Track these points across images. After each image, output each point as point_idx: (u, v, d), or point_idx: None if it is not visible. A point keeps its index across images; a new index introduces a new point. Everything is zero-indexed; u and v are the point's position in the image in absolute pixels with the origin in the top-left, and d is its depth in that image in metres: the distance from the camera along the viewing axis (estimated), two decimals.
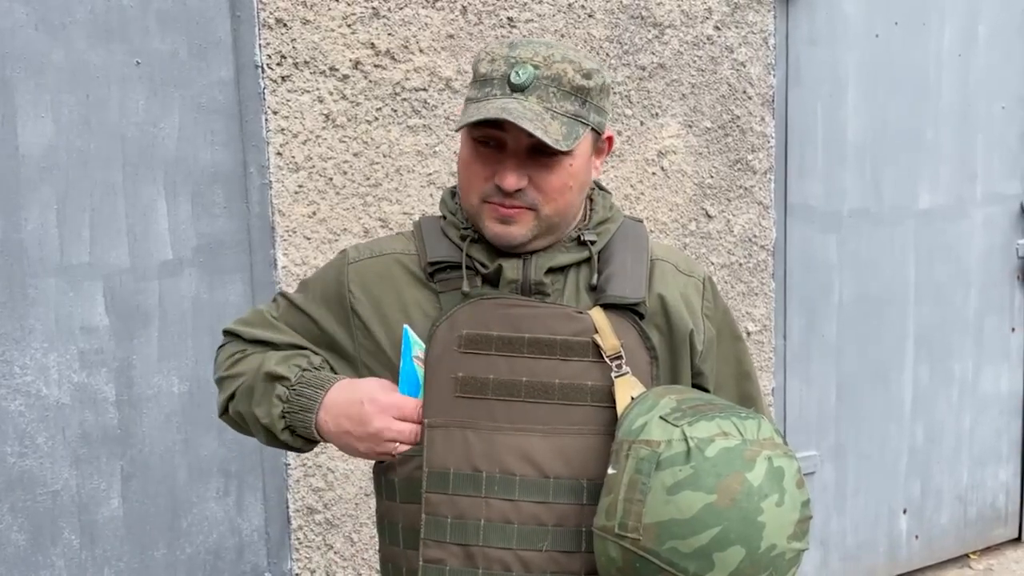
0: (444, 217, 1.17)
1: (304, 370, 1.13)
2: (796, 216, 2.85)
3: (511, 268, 1.11)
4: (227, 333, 1.25)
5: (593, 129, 1.08)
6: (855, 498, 3.08)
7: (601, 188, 1.20)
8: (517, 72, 1.03)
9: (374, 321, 1.14)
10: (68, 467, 1.86)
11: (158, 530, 1.97)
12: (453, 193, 1.19)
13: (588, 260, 1.13)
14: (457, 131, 1.08)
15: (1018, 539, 3.51)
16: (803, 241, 2.88)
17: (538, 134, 1.00)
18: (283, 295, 1.25)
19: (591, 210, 1.17)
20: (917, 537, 3.24)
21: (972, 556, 3.39)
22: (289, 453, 2.08)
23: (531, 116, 1.01)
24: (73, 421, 1.86)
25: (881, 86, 2.95)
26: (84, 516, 1.88)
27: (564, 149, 1.03)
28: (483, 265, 1.12)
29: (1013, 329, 3.38)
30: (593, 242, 1.13)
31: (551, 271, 1.12)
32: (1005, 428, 3.41)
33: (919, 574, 3.27)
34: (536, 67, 1.04)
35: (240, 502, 2.06)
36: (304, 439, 1.14)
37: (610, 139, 1.15)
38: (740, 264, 2.74)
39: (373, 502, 2.18)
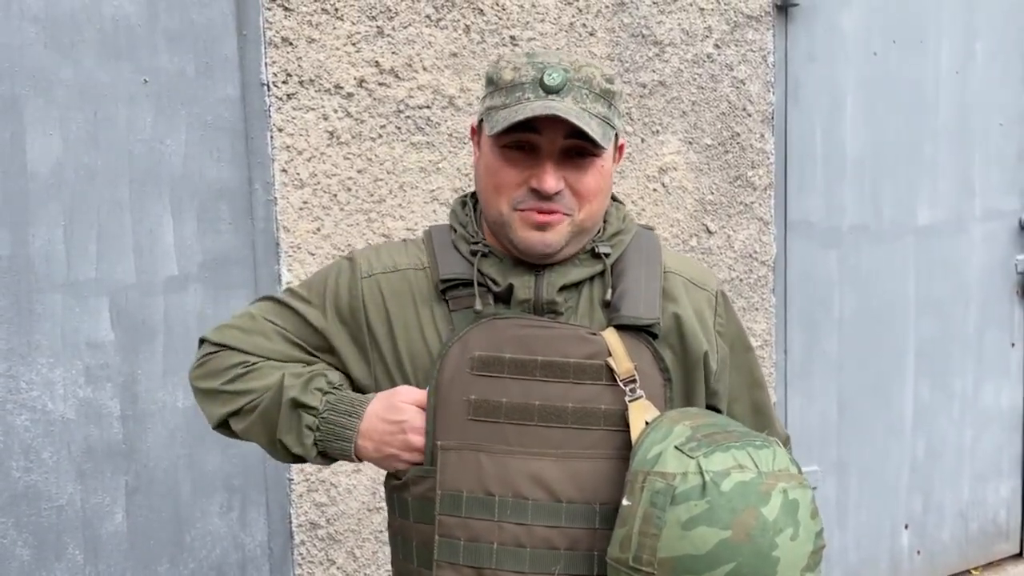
0: (454, 229, 1.16)
1: (326, 393, 1.11)
2: (796, 232, 2.87)
3: (523, 287, 1.09)
4: (216, 342, 1.18)
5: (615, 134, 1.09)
6: (857, 514, 3.08)
7: (615, 199, 1.19)
8: (551, 75, 1.02)
9: (389, 339, 1.13)
10: (73, 482, 1.86)
11: (162, 545, 1.97)
12: (463, 203, 1.18)
13: (602, 274, 1.12)
14: (491, 135, 1.04)
15: (1019, 555, 3.51)
16: (803, 257, 2.89)
17: (588, 130, 1.00)
18: (279, 301, 1.20)
19: (605, 221, 1.15)
20: (919, 553, 3.23)
21: (974, 572, 3.39)
22: (292, 468, 2.08)
23: (575, 114, 1.01)
24: (78, 436, 1.86)
25: (880, 103, 2.98)
26: (88, 531, 1.89)
27: (605, 146, 1.03)
28: (494, 282, 1.10)
29: (1013, 344, 3.39)
30: (607, 255, 1.12)
31: (564, 288, 1.10)
32: (1006, 443, 3.41)
33: None
34: (566, 71, 1.03)
35: (243, 517, 2.07)
36: (333, 460, 1.14)
37: (622, 147, 1.15)
38: (741, 280, 2.76)
39: (376, 517, 2.18)
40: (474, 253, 1.12)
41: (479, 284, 1.10)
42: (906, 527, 3.19)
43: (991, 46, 3.19)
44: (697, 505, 0.94)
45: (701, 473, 0.95)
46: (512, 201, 1.06)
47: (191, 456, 1.99)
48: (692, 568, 0.93)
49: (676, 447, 0.98)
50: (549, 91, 1.02)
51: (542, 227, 1.05)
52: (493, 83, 1.08)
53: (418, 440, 1.08)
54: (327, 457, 1.13)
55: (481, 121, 1.11)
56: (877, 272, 3.03)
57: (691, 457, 0.96)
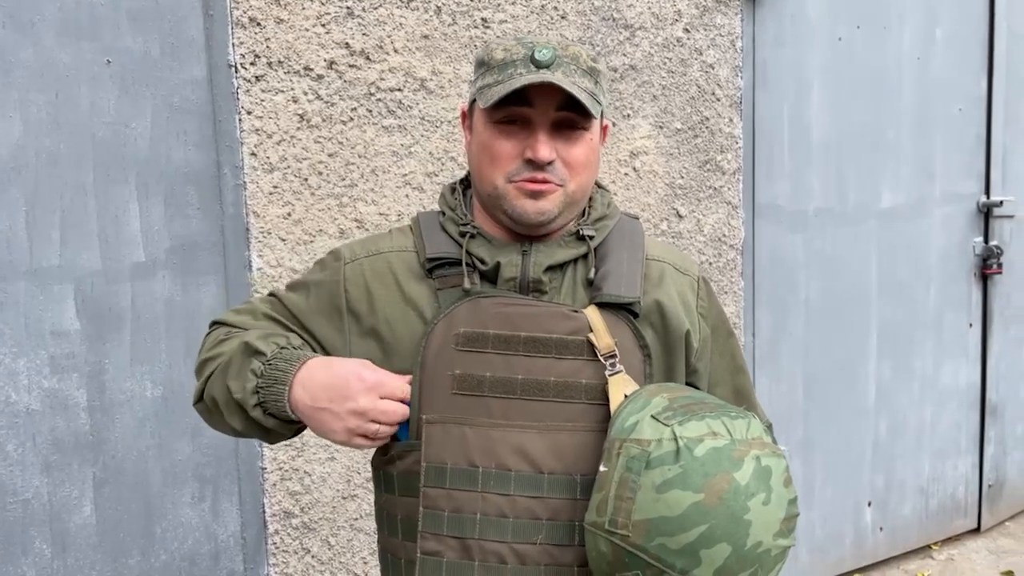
0: (443, 213, 1.18)
1: (283, 348, 1.11)
2: (764, 216, 2.90)
3: (510, 265, 1.12)
4: (216, 322, 1.23)
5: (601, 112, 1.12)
6: (822, 491, 3.15)
7: (600, 186, 1.22)
8: (541, 51, 1.06)
9: (371, 316, 1.14)
10: (39, 475, 1.82)
11: (132, 537, 1.93)
12: (453, 189, 1.20)
13: (586, 256, 1.15)
14: (485, 108, 1.07)
15: (977, 530, 3.61)
16: (771, 240, 2.93)
17: (579, 97, 1.04)
18: (277, 296, 1.23)
19: (590, 206, 1.19)
20: (882, 529, 3.31)
21: (934, 547, 3.48)
22: (265, 456, 2.05)
23: (568, 84, 1.05)
24: (44, 428, 1.81)
25: (844, 88, 3.02)
26: (56, 524, 1.84)
27: (595, 115, 1.07)
28: (482, 262, 1.13)
29: (971, 325, 3.47)
30: (592, 237, 1.15)
31: (549, 268, 1.13)
32: (964, 421, 3.50)
33: (884, 565, 3.34)
34: (554, 48, 1.07)
35: (216, 507, 2.03)
36: (276, 419, 1.10)
37: (606, 127, 1.19)
38: (710, 263, 2.78)
39: (350, 505, 2.17)
40: (463, 234, 1.14)
41: (466, 264, 1.12)
42: (869, 504, 3.26)
43: (951, 32, 3.25)
44: (671, 469, 0.96)
45: (676, 439, 0.97)
46: (507, 174, 1.09)
47: (161, 446, 1.95)
48: (666, 529, 0.96)
49: (652, 416, 1.00)
50: (540, 66, 1.06)
51: (536, 195, 1.08)
52: (485, 64, 1.11)
53: (393, 407, 1.07)
54: (267, 413, 1.10)
55: (472, 104, 1.14)
56: (842, 255, 3.09)
57: (666, 425, 0.99)
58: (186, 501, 2.00)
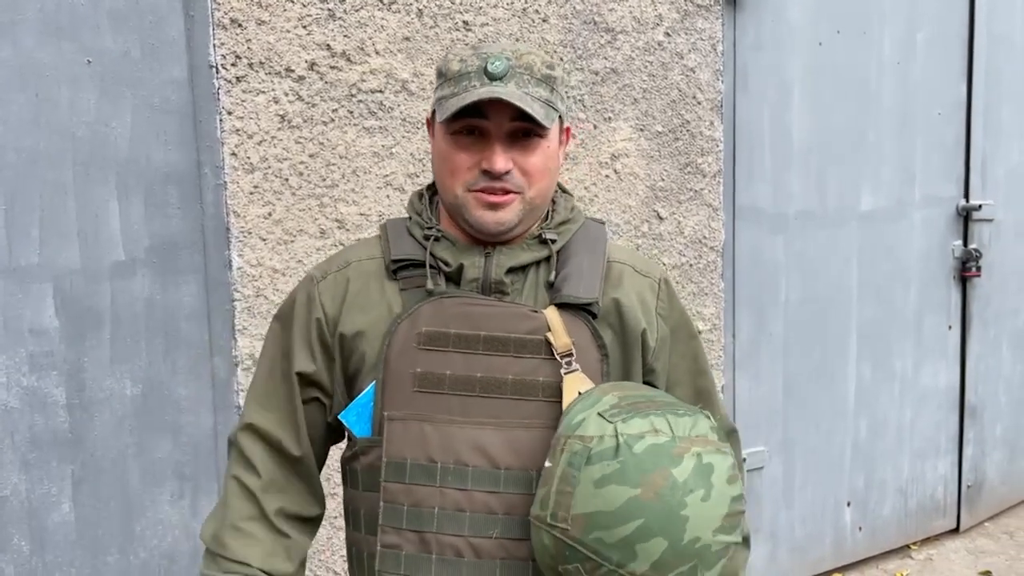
0: (410, 218, 1.21)
1: None
2: (744, 218, 2.93)
3: (472, 267, 1.15)
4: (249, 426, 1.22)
5: (559, 117, 1.14)
6: (802, 492, 3.17)
7: (564, 190, 1.25)
8: (494, 63, 1.09)
9: (345, 319, 1.16)
10: (17, 472, 1.83)
11: (110, 535, 1.94)
12: (420, 195, 1.23)
13: (548, 259, 1.18)
14: (442, 121, 1.10)
15: (956, 530, 3.65)
16: (751, 242, 2.95)
17: (529, 110, 1.06)
18: (272, 360, 1.22)
19: (553, 211, 1.21)
20: (861, 529, 3.34)
21: (913, 547, 3.51)
22: None
23: (517, 97, 1.07)
24: (22, 425, 1.82)
25: (825, 92, 3.05)
26: (34, 521, 1.85)
27: (548, 125, 1.09)
28: (446, 263, 1.15)
29: (950, 327, 3.51)
30: (554, 241, 1.18)
31: (511, 270, 1.16)
32: (943, 422, 3.54)
33: (863, 565, 3.37)
34: (508, 59, 1.10)
35: (195, 505, 2.05)
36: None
37: (568, 130, 1.21)
38: (691, 265, 2.80)
39: (329, 503, 2.18)
40: (427, 237, 1.17)
41: (431, 266, 1.15)
42: (849, 504, 3.29)
43: (931, 37, 3.29)
44: (610, 465, 0.99)
45: (616, 435, 1.00)
46: (465, 183, 1.12)
47: (140, 444, 1.96)
48: (603, 523, 0.98)
49: (599, 413, 1.03)
50: (492, 78, 1.08)
51: (494, 207, 1.11)
52: (443, 75, 1.14)
53: None
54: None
55: (435, 112, 1.17)
56: (822, 257, 3.12)
57: (610, 422, 1.01)
58: (165, 499, 2.01)
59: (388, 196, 2.21)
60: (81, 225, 1.86)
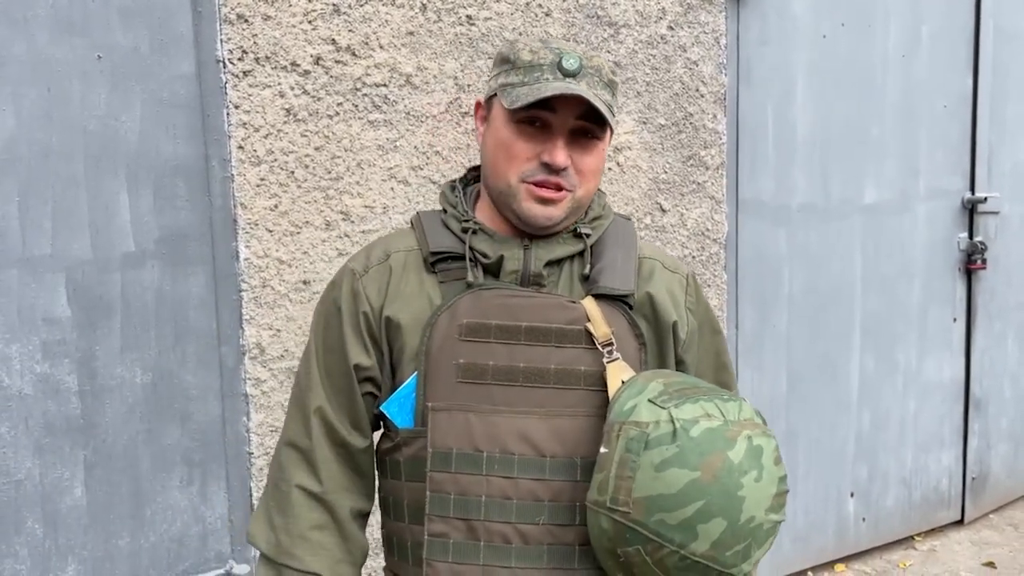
0: (444, 210, 1.23)
1: None
2: (747, 210, 2.95)
3: (513, 259, 1.17)
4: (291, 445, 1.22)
5: None
6: (805, 482, 3.20)
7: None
8: (569, 60, 1.10)
9: (389, 308, 1.17)
10: (31, 457, 1.88)
11: (121, 519, 1.99)
12: (453, 187, 1.25)
13: (582, 253, 1.20)
14: (511, 108, 1.10)
15: (960, 522, 3.66)
16: (754, 235, 2.97)
17: (603, 111, 1.09)
18: (327, 354, 1.22)
19: (587, 206, 1.23)
20: (864, 520, 3.36)
21: (916, 538, 3.53)
22: (252, 441, 2.11)
23: (592, 96, 1.09)
24: (36, 411, 1.87)
25: (829, 85, 3.06)
26: (48, 505, 1.90)
27: (614, 127, 1.13)
28: (484, 256, 1.17)
29: (955, 319, 3.51)
30: (588, 235, 1.20)
31: (548, 263, 1.18)
32: (947, 414, 3.55)
33: (866, 555, 3.39)
34: (580, 57, 1.12)
35: (204, 490, 2.10)
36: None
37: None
38: (693, 257, 2.83)
39: None
40: (465, 230, 1.19)
41: (469, 259, 1.17)
42: (852, 495, 3.31)
43: (936, 30, 3.29)
44: (668, 449, 1.02)
45: (672, 421, 1.03)
46: (521, 173, 1.13)
47: (150, 431, 2.01)
48: (664, 506, 1.01)
49: (650, 400, 1.06)
50: (567, 74, 1.10)
51: (546, 202, 1.13)
52: (509, 62, 1.14)
53: None
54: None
55: (490, 97, 1.18)
56: (825, 250, 3.13)
57: (663, 408, 1.04)
58: (175, 484, 2.06)
59: (392, 188, 2.24)
60: (92, 217, 1.91)
